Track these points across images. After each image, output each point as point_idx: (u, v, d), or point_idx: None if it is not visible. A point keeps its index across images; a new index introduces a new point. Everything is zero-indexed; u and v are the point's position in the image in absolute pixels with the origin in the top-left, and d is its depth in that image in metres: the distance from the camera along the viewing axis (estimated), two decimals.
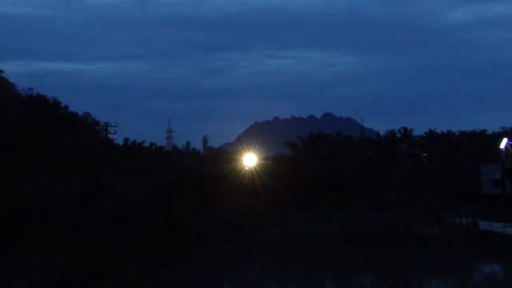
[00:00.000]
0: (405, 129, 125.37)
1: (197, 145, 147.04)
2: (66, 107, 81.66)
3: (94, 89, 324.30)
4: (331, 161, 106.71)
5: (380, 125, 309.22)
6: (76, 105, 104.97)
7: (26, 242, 32.88)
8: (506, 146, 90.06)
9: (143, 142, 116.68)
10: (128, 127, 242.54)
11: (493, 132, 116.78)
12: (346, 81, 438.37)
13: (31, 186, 40.72)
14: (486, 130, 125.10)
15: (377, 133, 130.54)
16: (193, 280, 31.89)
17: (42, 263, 29.36)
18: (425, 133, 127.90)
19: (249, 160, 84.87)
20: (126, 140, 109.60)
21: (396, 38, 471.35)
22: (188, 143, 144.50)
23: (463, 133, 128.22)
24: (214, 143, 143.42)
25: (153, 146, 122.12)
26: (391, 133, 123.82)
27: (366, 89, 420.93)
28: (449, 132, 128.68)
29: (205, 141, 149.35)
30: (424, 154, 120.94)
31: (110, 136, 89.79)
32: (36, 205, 36.87)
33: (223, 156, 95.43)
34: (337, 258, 40.39)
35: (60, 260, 29.18)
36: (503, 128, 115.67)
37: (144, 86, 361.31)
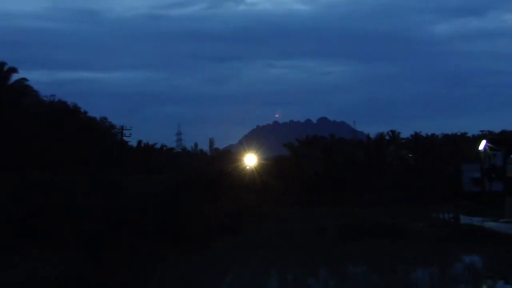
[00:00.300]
0: (393, 132, 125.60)
1: (204, 146, 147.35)
2: (85, 112, 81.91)
3: (111, 96, 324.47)
4: (325, 161, 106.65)
5: (371, 128, 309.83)
6: (95, 110, 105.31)
7: (49, 234, 32.93)
8: (484, 148, 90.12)
9: (155, 144, 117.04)
10: (141, 130, 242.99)
11: (473, 135, 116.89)
12: (339, 88, 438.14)
13: (54, 183, 40.85)
14: (466, 133, 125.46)
15: (368, 136, 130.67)
16: (200, 269, 31.93)
17: (64, 254, 29.39)
18: (411, 135, 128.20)
19: (251, 160, 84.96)
20: (139, 142, 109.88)
21: (385, 49, 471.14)
22: (196, 144, 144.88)
23: (445, 136, 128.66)
24: (220, 145, 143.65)
25: (164, 148, 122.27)
26: (381, 136, 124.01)
27: (358, 95, 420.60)
28: (432, 135, 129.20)
29: (211, 143, 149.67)
30: (410, 155, 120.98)
31: (125, 138, 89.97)
32: (58, 201, 36.92)
33: (227, 156, 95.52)
34: (331, 249, 40.37)
35: (80, 252, 29.21)
36: (482, 131, 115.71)
37: (156, 93, 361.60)
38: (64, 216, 35.29)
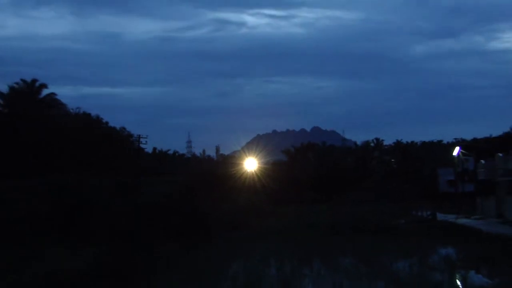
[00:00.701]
0: (377, 139, 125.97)
1: (211, 152, 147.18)
2: (107, 123, 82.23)
3: (130, 108, 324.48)
4: (318, 165, 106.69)
5: (358, 136, 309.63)
6: (115, 121, 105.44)
7: (79, 228, 33.10)
8: (458, 153, 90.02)
9: (168, 150, 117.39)
10: (156, 138, 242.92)
11: (447, 142, 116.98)
12: (330, 101, 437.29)
13: (82, 184, 41.07)
14: (442, 140, 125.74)
15: (355, 143, 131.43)
16: (208, 259, 32.01)
17: (91, 247, 29.54)
18: (393, 143, 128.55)
19: (252, 164, 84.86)
20: (154, 149, 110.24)
21: (370, 67, 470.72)
22: (204, 151, 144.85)
23: (423, 143, 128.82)
24: (225, 151, 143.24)
25: (176, 154, 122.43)
26: (366, 143, 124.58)
27: (346, 107, 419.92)
28: (412, 142, 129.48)
29: (217, 149, 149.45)
30: (393, 160, 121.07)
31: (142, 145, 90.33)
32: (85, 200, 37.11)
33: (231, 161, 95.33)
34: (321, 242, 40.42)
35: (105, 244, 29.36)
36: (455, 138, 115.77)
37: (169, 105, 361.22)
38: (89, 214, 35.49)
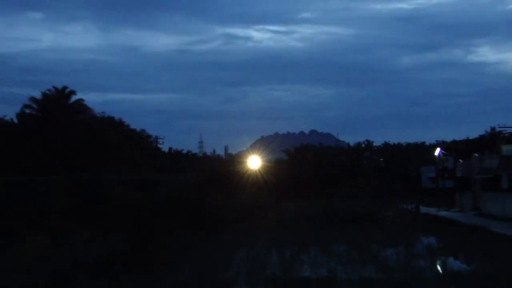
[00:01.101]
0: (368, 141, 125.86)
1: (220, 152, 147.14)
2: (128, 125, 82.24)
3: (148, 113, 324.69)
4: (315, 164, 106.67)
5: (350, 138, 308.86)
6: (135, 124, 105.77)
7: (104, 218, 33.19)
8: (439, 154, 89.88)
9: (182, 150, 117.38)
10: (171, 139, 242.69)
11: (430, 143, 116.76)
12: (326, 106, 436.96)
13: (107, 180, 41.21)
14: (424, 142, 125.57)
15: (348, 144, 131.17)
16: (217, 245, 32.13)
17: (117, 233, 29.64)
18: (382, 144, 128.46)
19: (257, 163, 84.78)
20: (170, 148, 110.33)
21: (361, 77, 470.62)
22: (214, 150, 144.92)
23: (408, 144, 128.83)
24: (232, 150, 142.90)
25: (189, 153, 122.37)
26: (358, 144, 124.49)
27: (340, 112, 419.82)
28: (398, 143, 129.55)
29: (226, 149, 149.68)
30: (381, 159, 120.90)
31: (159, 145, 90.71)
32: (111, 194, 37.25)
33: (238, 160, 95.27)
34: (318, 231, 40.53)
35: (126, 234, 29.46)
36: (436, 140, 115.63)
37: (183, 110, 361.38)
38: (112, 206, 35.60)
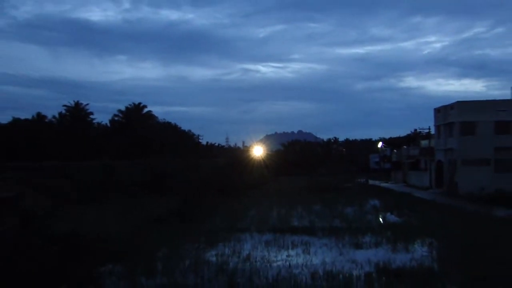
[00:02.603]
0: (335, 138, 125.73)
1: (239, 144, 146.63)
2: (180, 127, 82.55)
3: (193, 119, 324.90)
4: (301, 153, 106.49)
5: (324, 136, 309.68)
6: (185, 126, 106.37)
7: (163, 189, 33.23)
8: (381, 146, 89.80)
9: (214, 143, 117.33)
10: (208, 136, 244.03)
11: (375, 139, 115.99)
12: (308, 115, 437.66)
13: (167, 163, 41.29)
14: (372, 138, 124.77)
15: (322, 140, 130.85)
16: (237, 206, 32.12)
17: (172, 200, 29.64)
18: (344, 140, 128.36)
19: (262, 152, 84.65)
20: (207, 142, 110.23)
21: (332, 96, 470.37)
22: (235, 144, 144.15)
23: (361, 140, 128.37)
24: (247, 144, 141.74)
25: (219, 145, 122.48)
26: (329, 140, 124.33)
27: (318, 119, 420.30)
28: (355, 139, 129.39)
29: (243, 143, 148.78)
30: (344, 149, 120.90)
31: (200, 141, 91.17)
32: (169, 173, 37.31)
33: (251, 150, 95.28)
34: (304, 197, 40.50)
35: (179, 199, 29.44)
36: (379, 137, 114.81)
37: (215, 118, 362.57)
38: (171, 181, 35.70)
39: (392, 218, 27.29)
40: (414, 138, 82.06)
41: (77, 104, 60.04)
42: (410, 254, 16.10)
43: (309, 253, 16.48)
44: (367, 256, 15.55)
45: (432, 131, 54.44)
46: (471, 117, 42.97)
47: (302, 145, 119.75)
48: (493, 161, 42.23)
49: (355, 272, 13.25)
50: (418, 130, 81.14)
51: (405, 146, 70.63)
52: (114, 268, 13.86)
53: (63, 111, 59.69)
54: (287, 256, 16.08)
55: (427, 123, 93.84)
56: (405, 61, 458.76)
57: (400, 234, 19.81)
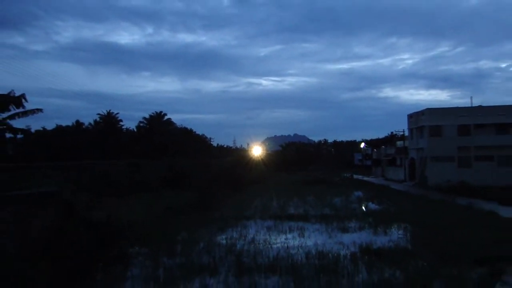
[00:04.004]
0: (325, 139, 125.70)
1: (244, 146, 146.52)
2: (195, 132, 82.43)
3: (206, 125, 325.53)
4: (296, 152, 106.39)
5: (316, 138, 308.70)
6: (199, 131, 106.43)
7: (181, 184, 33.15)
8: (364, 146, 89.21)
9: (224, 145, 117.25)
10: (218, 139, 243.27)
11: (359, 141, 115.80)
12: (302, 120, 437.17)
13: (184, 162, 41.18)
14: (356, 140, 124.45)
15: (314, 141, 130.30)
16: (244, 198, 32.13)
17: (187, 193, 29.63)
18: (333, 141, 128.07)
19: (264, 152, 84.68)
20: (217, 144, 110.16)
21: (321, 105, 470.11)
22: (241, 145, 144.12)
23: (347, 141, 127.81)
24: (251, 145, 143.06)
25: (227, 146, 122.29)
26: (320, 141, 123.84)
27: (312, 123, 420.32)
28: (341, 140, 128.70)
29: (247, 144, 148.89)
30: (332, 149, 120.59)
31: (211, 143, 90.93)
32: (186, 170, 37.25)
33: (254, 150, 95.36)
34: (298, 189, 40.52)
35: (194, 192, 29.43)
36: (362, 139, 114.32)
37: (224, 123, 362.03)
38: (188, 178, 35.64)
39: (373, 206, 27.31)
40: (391, 139, 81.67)
41: (109, 113, 60.10)
42: (388, 237, 16.13)
43: (303, 236, 16.51)
44: (352, 239, 15.60)
45: (406, 134, 54.36)
46: (438, 121, 43.01)
47: (297, 146, 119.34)
48: (457, 158, 42.24)
49: (342, 252, 13.29)
50: (394, 133, 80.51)
51: (383, 146, 70.51)
52: (140, 250, 13.94)
53: (98, 119, 59.77)
54: (285, 239, 16.11)
55: (402, 127, 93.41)
56: (383, 75, 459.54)
57: (380, 219, 19.85)
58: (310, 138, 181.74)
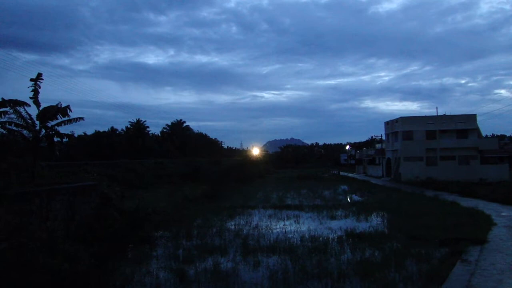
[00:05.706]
0: (316, 143, 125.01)
1: (250, 147, 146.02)
2: (208, 136, 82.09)
3: (217, 130, 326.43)
4: (293, 153, 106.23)
5: (309, 141, 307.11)
6: (212, 135, 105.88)
7: (197, 179, 33.04)
8: (349, 148, 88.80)
9: (233, 147, 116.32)
10: (228, 142, 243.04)
11: (344, 143, 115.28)
12: (298, 127, 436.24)
13: (199, 161, 41.02)
14: (342, 143, 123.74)
15: (307, 144, 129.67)
16: (249, 191, 32.06)
17: (201, 186, 29.53)
18: (323, 144, 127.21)
19: (265, 153, 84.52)
20: (228, 146, 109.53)
21: (313, 113, 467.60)
22: (247, 147, 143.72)
23: (335, 144, 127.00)
24: (256, 146, 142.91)
25: (236, 148, 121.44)
26: (312, 144, 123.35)
27: (305, 129, 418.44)
28: (330, 143, 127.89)
29: (252, 146, 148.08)
30: (322, 150, 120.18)
31: (222, 145, 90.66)
32: (201, 167, 37.17)
33: (258, 151, 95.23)
34: (294, 183, 40.37)
35: (208, 186, 29.34)
36: (348, 142, 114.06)
37: (233, 129, 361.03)
38: (203, 173, 35.60)
39: (356, 197, 27.21)
40: (371, 142, 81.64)
41: (138, 120, 60.10)
42: (368, 223, 16.09)
43: (299, 223, 16.48)
44: (339, 225, 15.57)
45: (383, 138, 54.21)
46: (410, 127, 42.96)
47: (293, 148, 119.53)
48: (425, 158, 42.16)
49: (331, 236, 13.28)
50: (373, 137, 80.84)
51: (365, 148, 70.35)
52: (163, 233, 13.97)
53: (129, 125, 59.81)
54: (283, 225, 16.07)
55: (380, 132, 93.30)
56: (364, 89, 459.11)
57: (362, 208, 19.79)
58: (304, 141, 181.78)
